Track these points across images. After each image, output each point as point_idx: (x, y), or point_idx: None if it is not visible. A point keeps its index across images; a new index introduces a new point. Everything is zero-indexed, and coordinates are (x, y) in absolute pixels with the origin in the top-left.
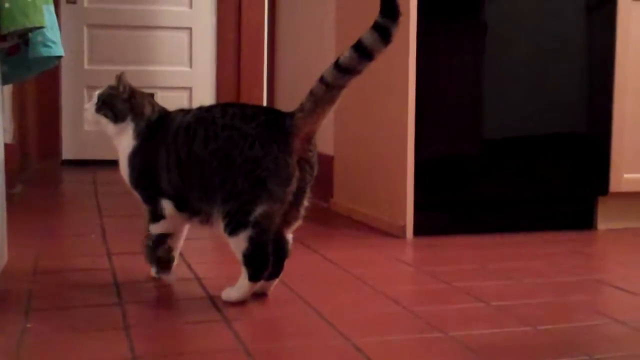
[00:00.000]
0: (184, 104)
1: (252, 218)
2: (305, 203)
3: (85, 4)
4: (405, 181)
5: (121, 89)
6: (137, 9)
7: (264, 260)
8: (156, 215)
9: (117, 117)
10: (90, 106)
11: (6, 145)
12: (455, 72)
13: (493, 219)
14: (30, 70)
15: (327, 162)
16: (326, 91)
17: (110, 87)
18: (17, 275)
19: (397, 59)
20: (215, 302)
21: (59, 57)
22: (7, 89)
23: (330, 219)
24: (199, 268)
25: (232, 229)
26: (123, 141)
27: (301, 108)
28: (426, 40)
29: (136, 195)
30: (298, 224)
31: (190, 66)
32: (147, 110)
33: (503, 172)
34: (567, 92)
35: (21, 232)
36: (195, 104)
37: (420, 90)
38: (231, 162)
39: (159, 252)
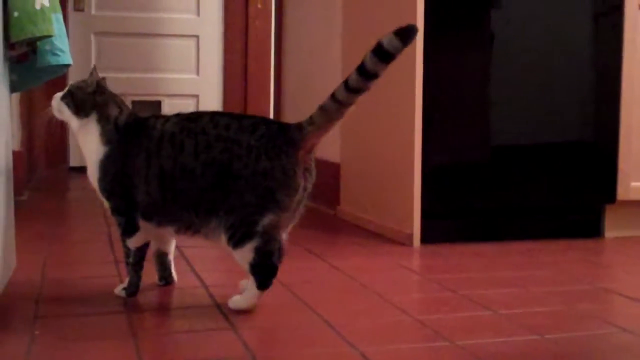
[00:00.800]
0: None
1: (259, 228)
2: (302, 209)
3: (93, 12)
4: (413, 189)
5: (88, 82)
6: (145, 17)
7: (272, 268)
8: (131, 227)
9: (78, 110)
10: (59, 94)
11: (14, 153)
12: (463, 80)
13: (500, 227)
14: (39, 79)
15: (333, 169)
16: (337, 108)
17: (82, 81)
18: (25, 282)
19: (405, 67)
20: (222, 309)
21: (67, 66)
22: (15, 96)
23: (336, 227)
24: (205, 275)
25: (237, 241)
26: (88, 143)
27: (311, 121)
28: (433, 49)
29: (106, 204)
30: (292, 225)
31: (198, 74)
32: (113, 111)
33: (510, 180)
34: (574, 100)
35: (29, 238)
36: None
37: (428, 98)
38: (235, 175)
39: (157, 268)
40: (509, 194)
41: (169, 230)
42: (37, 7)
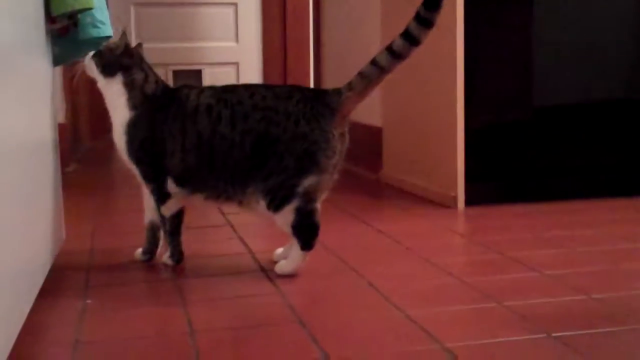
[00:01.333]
0: (232, 80)
1: (299, 189)
2: (336, 174)
3: None
4: (456, 151)
5: (118, 44)
6: None
7: (315, 228)
8: (162, 194)
9: (104, 69)
10: (91, 53)
11: (59, 125)
12: (504, 39)
13: (545, 187)
14: (81, 51)
15: (375, 133)
16: (378, 74)
17: (113, 42)
18: (75, 253)
19: (445, 27)
20: (268, 274)
21: (108, 37)
22: (58, 69)
23: (380, 191)
24: (250, 241)
25: (278, 204)
26: (115, 104)
27: (350, 87)
28: (473, 8)
29: (134, 170)
30: (326, 194)
31: (237, 41)
32: (138, 75)
33: (554, 139)
34: (619, 57)
35: (76, 210)
36: (243, 79)
37: (469, 59)
38: (273, 140)
39: (147, 240)
40: (553, 153)
41: (199, 198)
42: None
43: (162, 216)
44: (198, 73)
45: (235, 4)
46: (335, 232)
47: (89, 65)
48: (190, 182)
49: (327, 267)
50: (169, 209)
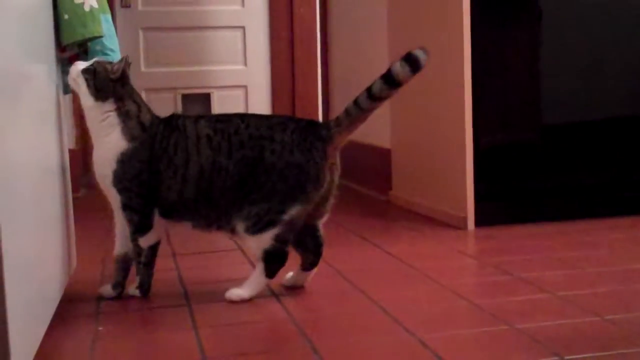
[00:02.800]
0: (241, 103)
1: (285, 217)
2: (332, 200)
3: (140, 8)
4: (465, 171)
5: (114, 68)
6: (190, 10)
7: (285, 257)
8: (144, 225)
9: (96, 90)
10: (81, 64)
11: (69, 151)
12: (512, 59)
13: (555, 207)
14: None
15: (384, 154)
16: (360, 114)
17: (109, 63)
18: (86, 280)
19: (452, 48)
20: (280, 300)
21: None
22: (69, 96)
23: (389, 212)
24: None
25: (260, 228)
26: (104, 132)
27: (338, 123)
28: (480, 28)
29: (114, 196)
30: (327, 216)
31: (245, 65)
32: (131, 107)
33: (564, 158)
34: (627, 74)
35: (87, 236)
36: (252, 102)
37: (477, 79)
38: (267, 167)
39: (118, 273)
40: (563, 172)
41: (186, 226)
42: (87, 9)
43: (138, 247)
44: (207, 97)
45: (243, 28)
46: (344, 254)
47: (77, 78)
48: (180, 213)
49: (337, 291)
50: (148, 240)
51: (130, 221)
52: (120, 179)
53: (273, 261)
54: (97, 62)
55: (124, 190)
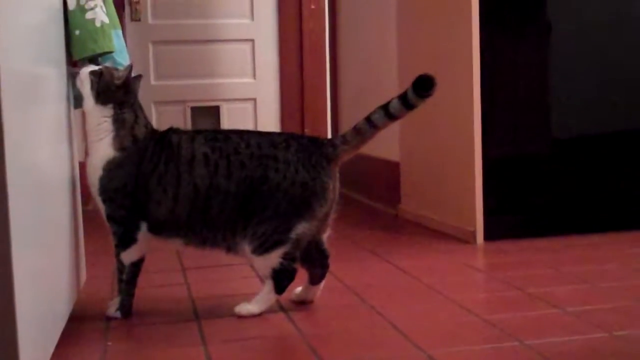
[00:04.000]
0: (250, 116)
1: (293, 235)
2: (333, 215)
3: (150, 21)
4: (474, 185)
5: (120, 74)
6: (200, 24)
7: (293, 274)
8: (127, 239)
9: (97, 93)
10: (91, 67)
11: (79, 164)
12: (521, 72)
13: (565, 221)
14: None
15: (393, 168)
16: (372, 131)
17: (116, 69)
18: (95, 293)
19: (462, 61)
20: (289, 315)
21: None
22: (79, 111)
23: (398, 226)
24: None
25: (267, 248)
26: (97, 136)
27: (345, 140)
28: (489, 42)
29: (101, 208)
30: (329, 231)
31: (254, 77)
32: (129, 116)
33: (574, 171)
34: (636, 87)
35: (96, 249)
36: (261, 115)
37: (486, 92)
38: (273, 187)
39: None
40: (573, 186)
41: (176, 243)
42: (98, 24)
43: (120, 263)
44: (216, 109)
45: (252, 41)
46: (353, 269)
47: (84, 79)
48: (170, 230)
49: (346, 306)
50: (130, 256)
51: (113, 234)
52: (105, 189)
53: (282, 278)
54: (105, 67)
55: (107, 201)
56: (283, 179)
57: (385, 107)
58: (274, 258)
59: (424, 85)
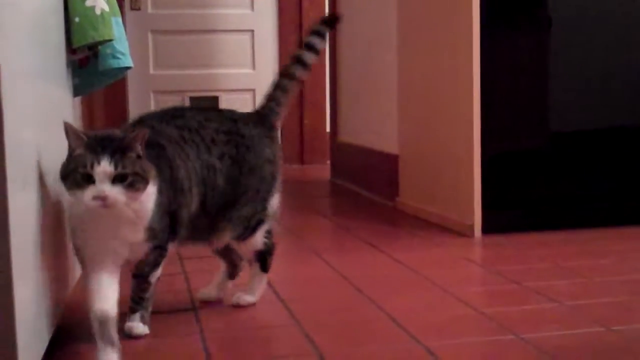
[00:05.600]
0: (249, 106)
1: (270, 211)
2: None
3: (150, 10)
4: (472, 178)
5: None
6: (200, 13)
7: (274, 247)
8: (164, 258)
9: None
10: (111, 189)
11: None
12: (520, 66)
13: (563, 215)
14: (100, 82)
15: (392, 161)
16: (293, 84)
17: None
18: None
19: (461, 55)
20: (287, 305)
21: (128, 68)
22: (77, 99)
23: (396, 219)
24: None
25: (252, 231)
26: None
27: (278, 103)
28: (490, 36)
29: (150, 249)
30: None
31: (254, 68)
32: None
33: (572, 166)
34: (636, 82)
35: None
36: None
37: (485, 86)
38: (251, 167)
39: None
40: (571, 180)
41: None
42: (98, 12)
43: (149, 283)
44: (215, 99)
45: (252, 31)
46: (352, 261)
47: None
48: (185, 232)
49: (344, 298)
50: (159, 272)
51: (161, 256)
52: (157, 228)
53: (266, 256)
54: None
55: (161, 236)
56: (255, 158)
57: (298, 58)
58: (259, 239)
59: (330, 22)
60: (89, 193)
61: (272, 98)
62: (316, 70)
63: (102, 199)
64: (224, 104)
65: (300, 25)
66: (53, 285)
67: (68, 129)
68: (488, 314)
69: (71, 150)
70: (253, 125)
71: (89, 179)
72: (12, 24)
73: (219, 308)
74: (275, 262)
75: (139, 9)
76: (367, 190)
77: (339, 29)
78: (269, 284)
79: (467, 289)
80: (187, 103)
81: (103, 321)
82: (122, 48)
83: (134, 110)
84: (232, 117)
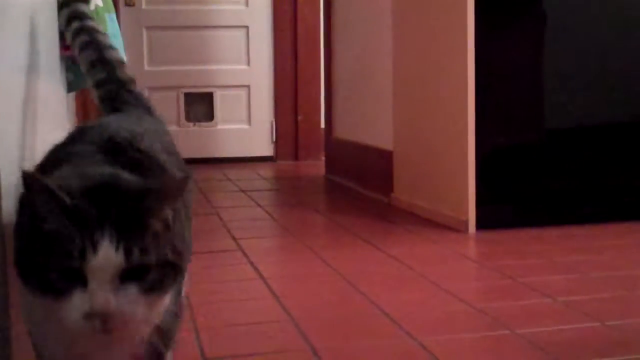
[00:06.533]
0: (243, 102)
1: None
2: None
3: (144, 6)
4: (467, 174)
5: None
6: (194, 9)
7: None
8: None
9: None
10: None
11: None
12: (515, 62)
13: (558, 211)
14: None
15: (386, 157)
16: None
17: None
18: None
19: (456, 50)
20: (280, 301)
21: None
22: (71, 95)
23: (391, 215)
24: (262, 267)
25: None
26: None
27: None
28: (484, 32)
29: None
30: None
31: (248, 64)
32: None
33: (567, 162)
34: (631, 78)
35: None
36: (254, 102)
37: (480, 81)
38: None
39: None
40: (566, 176)
41: None
42: (92, 7)
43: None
44: (209, 96)
45: (247, 27)
46: (346, 257)
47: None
48: None
49: (338, 294)
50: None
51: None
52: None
53: None
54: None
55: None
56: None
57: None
58: None
59: None
60: (77, 306)
61: (132, 80)
62: (311, 67)
63: (104, 319)
64: (218, 100)
65: (295, 21)
66: None
67: (32, 182)
68: (483, 309)
69: (38, 217)
70: (160, 122)
71: (77, 278)
72: (5, 20)
73: (213, 304)
74: (270, 258)
75: (133, 5)
76: (361, 186)
77: (334, 25)
78: (264, 279)
79: (462, 285)
80: (182, 99)
81: None
82: (116, 44)
83: None
84: (144, 116)
